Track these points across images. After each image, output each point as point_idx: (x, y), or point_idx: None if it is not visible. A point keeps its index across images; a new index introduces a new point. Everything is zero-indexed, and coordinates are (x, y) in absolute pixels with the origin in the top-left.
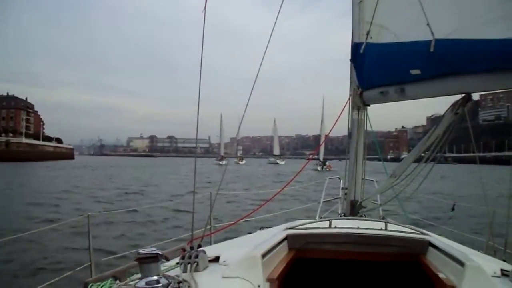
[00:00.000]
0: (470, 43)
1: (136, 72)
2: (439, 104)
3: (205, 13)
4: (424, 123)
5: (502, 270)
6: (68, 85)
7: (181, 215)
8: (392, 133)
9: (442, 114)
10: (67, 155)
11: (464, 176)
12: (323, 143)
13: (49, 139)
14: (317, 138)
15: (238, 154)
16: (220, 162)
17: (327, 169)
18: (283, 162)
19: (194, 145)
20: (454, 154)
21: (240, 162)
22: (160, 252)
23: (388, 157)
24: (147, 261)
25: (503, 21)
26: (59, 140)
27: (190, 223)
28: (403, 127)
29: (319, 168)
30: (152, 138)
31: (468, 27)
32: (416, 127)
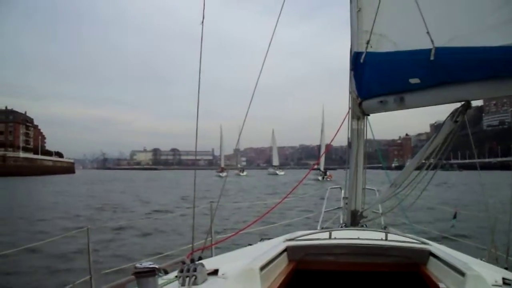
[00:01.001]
0: (470, 50)
1: (137, 85)
2: (443, 111)
3: (202, 26)
4: (428, 130)
5: (503, 279)
6: (71, 98)
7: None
8: (396, 141)
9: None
10: (68, 169)
11: (475, 182)
12: (324, 153)
13: (49, 153)
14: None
15: (239, 166)
16: (221, 174)
17: (328, 179)
18: (282, 173)
19: (197, 157)
20: (459, 161)
21: (241, 174)
22: (157, 266)
23: (393, 165)
24: (144, 276)
25: (502, 27)
26: (59, 154)
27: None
28: (407, 134)
29: (320, 177)
30: (155, 151)
31: (466, 34)
32: (419, 134)
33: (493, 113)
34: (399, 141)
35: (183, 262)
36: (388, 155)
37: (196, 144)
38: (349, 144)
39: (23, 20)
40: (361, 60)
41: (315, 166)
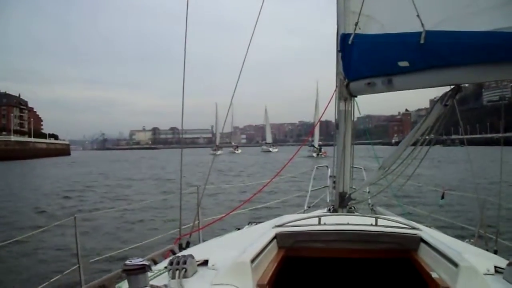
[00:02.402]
0: (460, 35)
1: (135, 64)
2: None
3: (187, 4)
4: (428, 105)
5: (495, 267)
6: (69, 81)
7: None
8: (396, 117)
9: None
10: (63, 151)
11: (478, 159)
12: (313, 130)
13: (43, 135)
14: (320, 124)
15: (233, 143)
16: (215, 152)
17: (323, 155)
18: (275, 150)
19: (196, 135)
20: (460, 136)
21: (236, 151)
22: (147, 263)
23: (393, 141)
24: (134, 273)
25: (493, 11)
26: (54, 136)
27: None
28: (406, 110)
29: (314, 154)
30: (154, 130)
31: (456, 17)
32: (419, 110)
33: (493, 88)
34: (398, 117)
35: (173, 252)
36: (387, 130)
37: (182, 123)
38: (337, 125)
39: (29, 6)
40: (349, 42)
41: (306, 143)
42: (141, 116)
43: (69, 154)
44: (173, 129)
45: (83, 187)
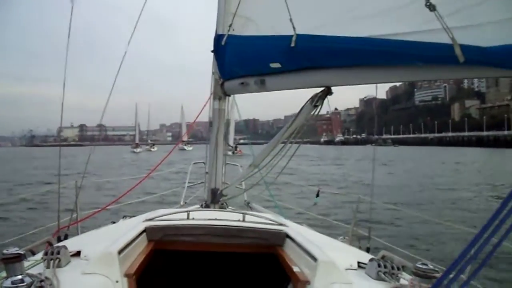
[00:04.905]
0: (330, 39)
1: (61, 60)
2: (373, 86)
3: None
4: (357, 104)
5: (359, 262)
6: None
7: None
8: (325, 116)
9: (374, 95)
10: None
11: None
12: (188, 131)
13: None
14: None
15: (149, 141)
16: (135, 150)
17: (238, 154)
18: (190, 148)
19: (123, 132)
20: (392, 136)
21: (152, 149)
22: (22, 252)
23: (322, 140)
24: (11, 261)
25: (364, 20)
26: None
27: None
28: (336, 109)
29: (229, 153)
30: (81, 127)
31: (332, 24)
32: (348, 109)
33: (426, 88)
34: (327, 116)
35: (50, 243)
36: (316, 129)
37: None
38: (210, 123)
39: None
40: (223, 43)
41: (182, 144)
42: (69, 112)
43: None
44: (100, 126)
45: None
